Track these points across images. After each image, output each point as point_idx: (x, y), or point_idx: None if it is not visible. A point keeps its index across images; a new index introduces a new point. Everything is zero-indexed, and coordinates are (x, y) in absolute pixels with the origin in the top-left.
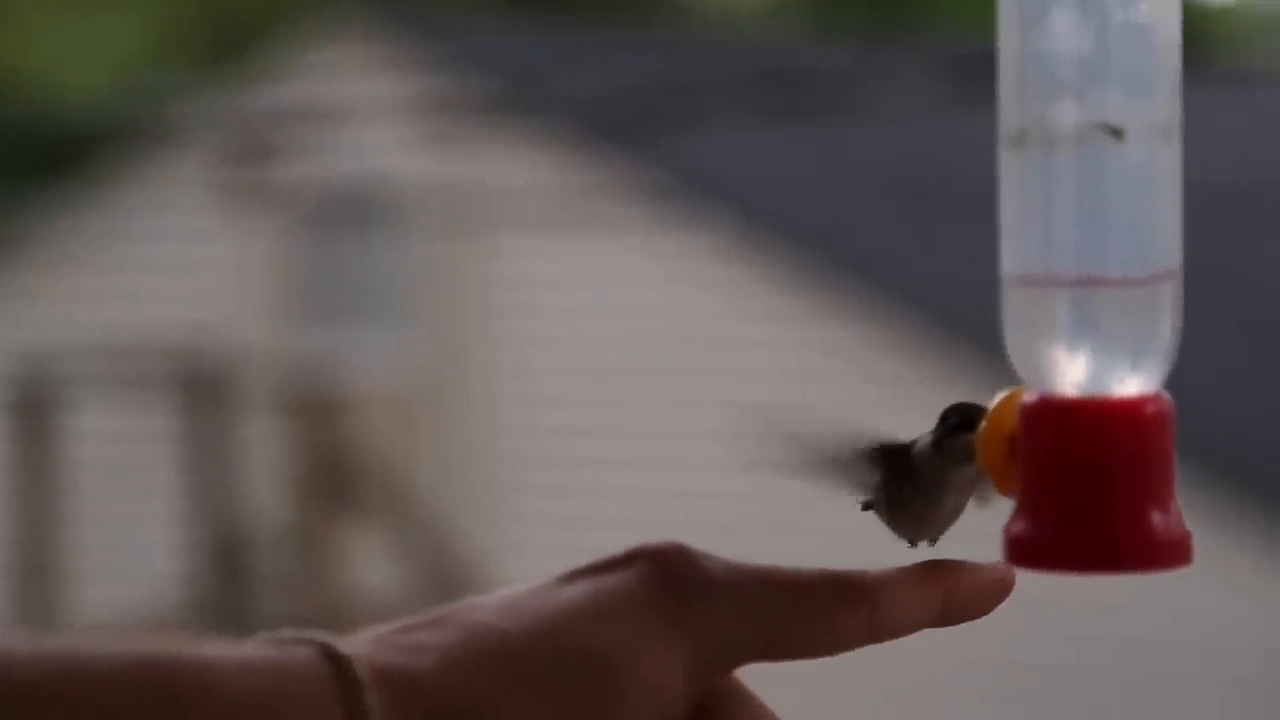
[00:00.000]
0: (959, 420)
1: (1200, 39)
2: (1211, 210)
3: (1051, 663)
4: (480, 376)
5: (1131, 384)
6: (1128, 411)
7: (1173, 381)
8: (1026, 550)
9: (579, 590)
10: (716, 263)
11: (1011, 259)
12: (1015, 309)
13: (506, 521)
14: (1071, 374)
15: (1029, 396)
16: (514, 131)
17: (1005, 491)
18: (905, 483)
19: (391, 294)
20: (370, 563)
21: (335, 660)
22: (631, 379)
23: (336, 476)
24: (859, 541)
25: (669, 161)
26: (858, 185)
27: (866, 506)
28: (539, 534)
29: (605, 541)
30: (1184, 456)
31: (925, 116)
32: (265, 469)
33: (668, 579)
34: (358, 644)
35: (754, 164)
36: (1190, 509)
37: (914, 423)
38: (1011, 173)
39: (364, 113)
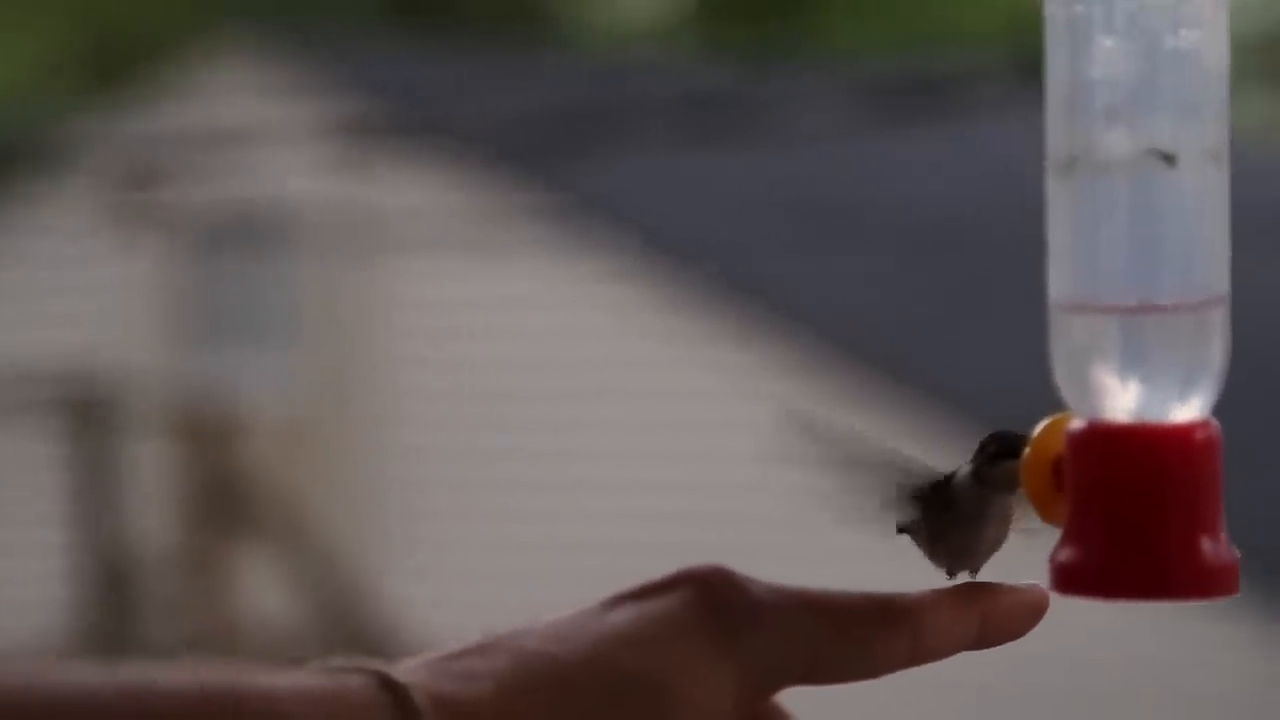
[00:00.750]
0: (998, 448)
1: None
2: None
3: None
4: (373, 400)
5: (1182, 410)
6: (1178, 438)
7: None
8: (1075, 578)
9: (625, 616)
10: (613, 285)
11: (1061, 286)
12: (1065, 335)
13: (399, 545)
14: (1122, 400)
15: (1077, 423)
16: (408, 154)
17: (1049, 519)
18: (945, 514)
19: (283, 317)
20: (261, 587)
21: (392, 689)
22: (526, 401)
23: (227, 501)
24: (765, 563)
25: (565, 184)
26: (756, 208)
27: (901, 530)
28: (432, 558)
29: (501, 565)
30: None
31: (826, 139)
32: (155, 494)
33: (714, 603)
34: (409, 672)
35: (652, 186)
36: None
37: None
38: (1061, 199)
39: (257, 135)
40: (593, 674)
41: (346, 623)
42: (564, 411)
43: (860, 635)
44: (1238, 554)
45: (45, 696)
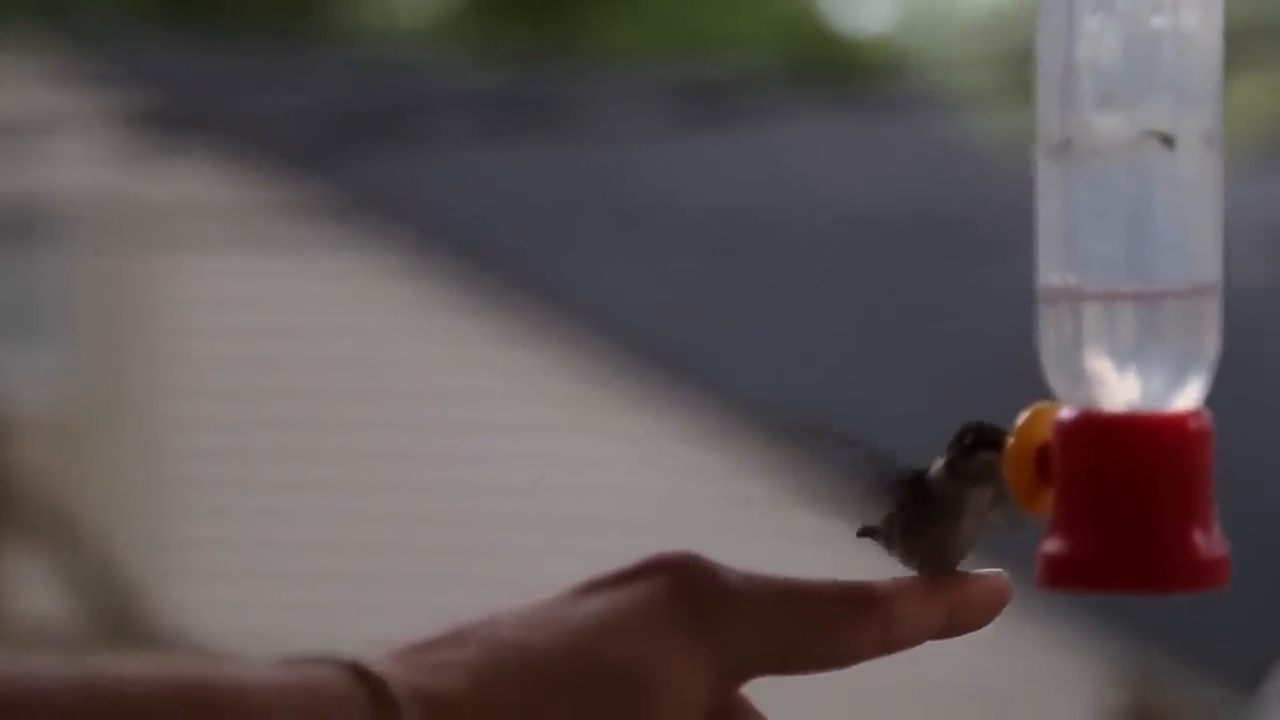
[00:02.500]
0: (975, 439)
1: (850, 68)
2: (865, 234)
3: None
4: (147, 398)
5: (1175, 399)
6: (1172, 428)
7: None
8: (1065, 570)
9: (599, 604)
10: (394, 284)
11: (1051, 272)
12: (1055, 323)
13: (173, 546)
14: (1115, 389)
15: (1067, 412)
16: (186, 150)
17: (1032, 511)
18: (921, 509)
19: (54, 313)
20: (33, 587)
21: (369, 681)
22: (304, 401)
23: None
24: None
25: (345, 182)
26: (540, 207)
27: (864, 533)
28: (206, 558)
29: (276, 565)
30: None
31: (610, 141)
32: None
33: (688, 591)
34: (381, 663)
35: (433, 185)
36: (844, 530)
37: (598, 449)
38: (1052, 182)
39: (32, 126)
40: (570, 664)
41: (120, 623)
42: (342, 411)
43: (832, 624)
44: (1228, 546)
45: (6, 693)
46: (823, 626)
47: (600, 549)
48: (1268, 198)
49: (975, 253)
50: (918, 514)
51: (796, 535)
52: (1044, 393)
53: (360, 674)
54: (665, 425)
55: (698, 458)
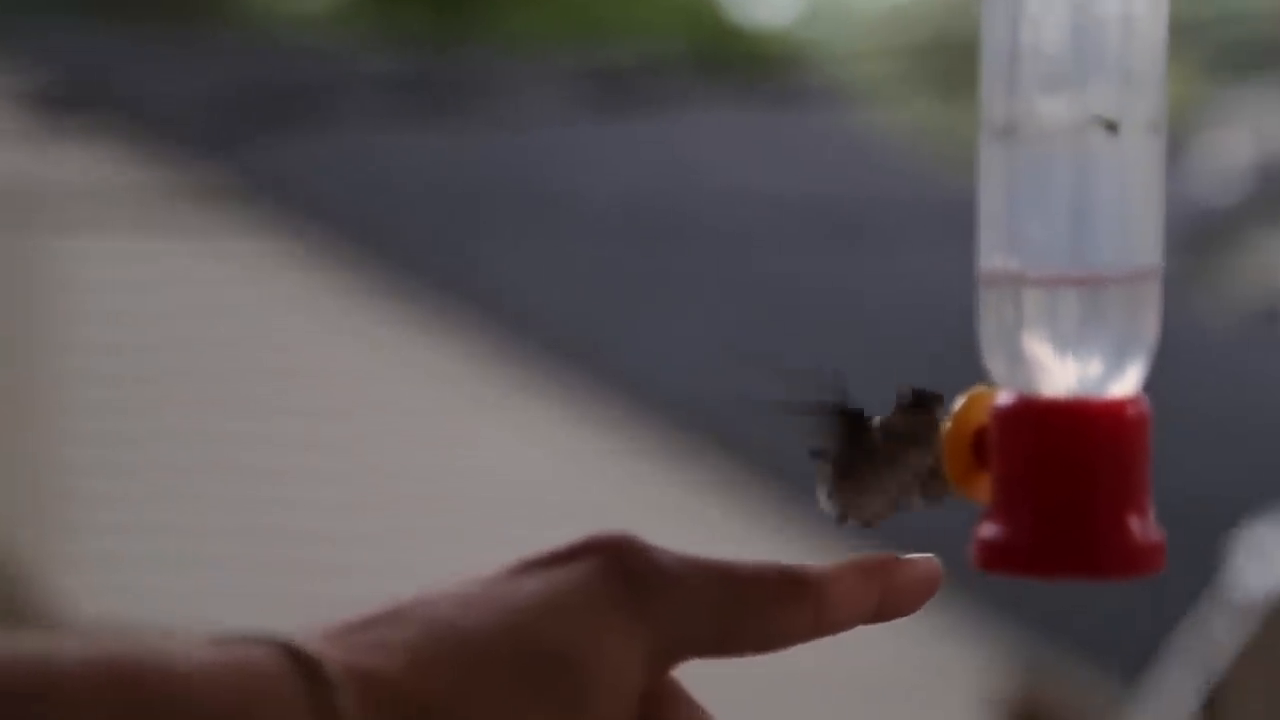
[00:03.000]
0: (913, 400)
1: (752, 60)
2: (768, 224)
3: None
4: (36, 383)
5: (1114, 385)
6: (1110, 414)
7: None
8: (1001, 554)
9: (537, 585)
10: (294, 269)
11: (992, 256)
12: (994, 307)
13: (61, 532)
14: (1054, 373)
15: (1005, 398)
16: (76, 130)
17: (967, 495)
18: (856, 452)
19: None
20: None
21: (303, 661)
22: (195, 386)
23: None
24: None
25: (242, 166)
26: (441, 193)
27: (815, 455)
28: (94, 544)
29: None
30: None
31: (514, 127)
32: None
33: (623, 571)
34: (315, 642)
35: (335, 170)
36: (750, 518)
37: (500, 436)
38: (995, 167)
39: None
40: (507, 644)
41: (7, 609)
42: (234, 396)
43: (766, 606)
44: (1163, 532)
45: None
46: (756, 608)
47: (502, 535)
48: (1170, 189)
49: (875, 243)
50: (852, 455)
51: (700, 521)
52: (939, 380)
53: (294, 654)
54: (567, 412)
55: (599, 444)
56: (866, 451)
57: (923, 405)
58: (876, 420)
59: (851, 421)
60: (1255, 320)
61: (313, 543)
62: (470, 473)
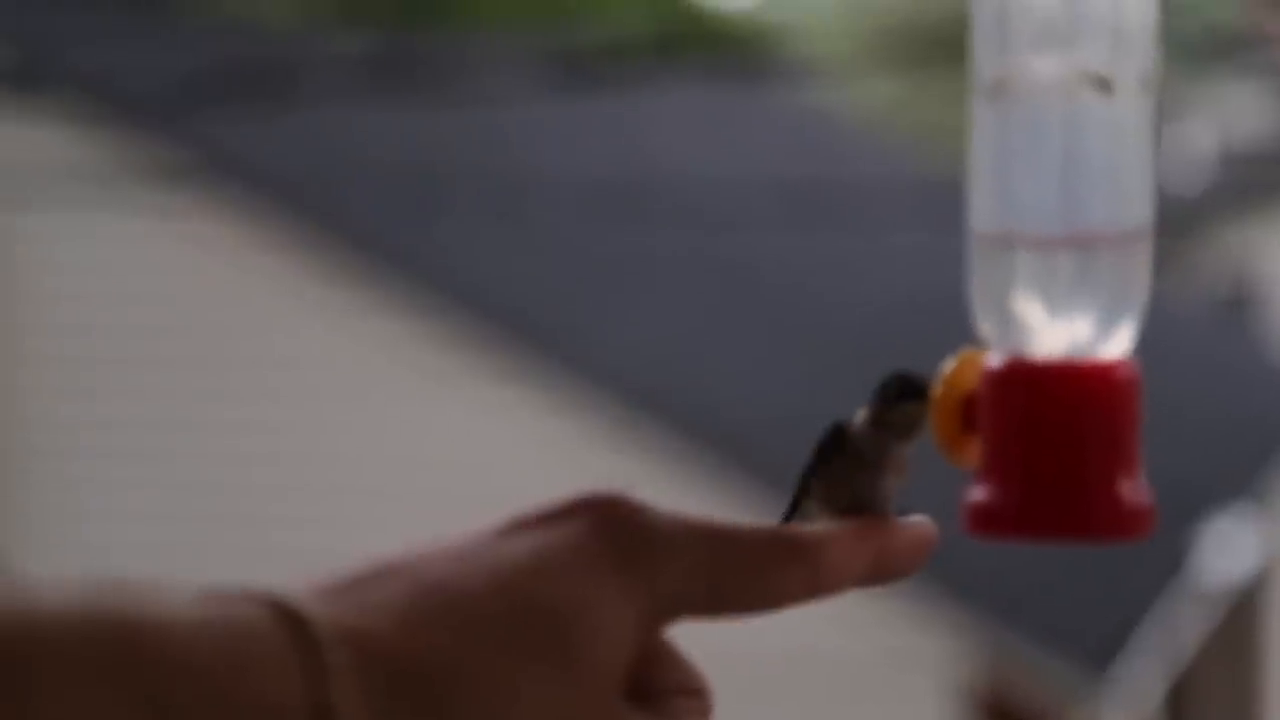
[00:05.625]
0: (901, 390)
1: (718, 40)
2: (733, 203)
3: None
4: None
5: (1104, 346)
6: (1101, 376)
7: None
8: (991, 517)
9: (529, 543)
10: (253, 248)
11: (984, 216)
12: (986, 267)
13: (20, 515)
14: (1045, 335)
15: (995, 360)
16: (30, 107)
17: (956, 460)
18: (842, 461)
19: None
20: None
21: (293, 619)
22: (157, 367)
23: None
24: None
25: (205, 143)
26: (402, 172)
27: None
28: (55, 527)
29: (130, 535)
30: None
31: (480, 106)
32: None
33: (616, 530)
34: (306, 599)
35: (296, 148)
36: (713, 501)
37: (461, 420)
38: (986, 125)
39: None
40: (499, 603)
41: None
42: (197, 379)
43: (760, 566)
44: (1153, 494)
45: None
46: (750, 568)
47: (462, 518)
48: None
49: (842, 223)
50: (839, 466)
51: (662, 502)
52: (913, 360)
53: (284, 611)
54: (530, 396)
55: (563, 429)
56: (852, 461)
57: (907, 395)
58: (860, 416)
59: (830, 438)
60: (1221, 309)
61: (278, 527)
62: (431, 455)
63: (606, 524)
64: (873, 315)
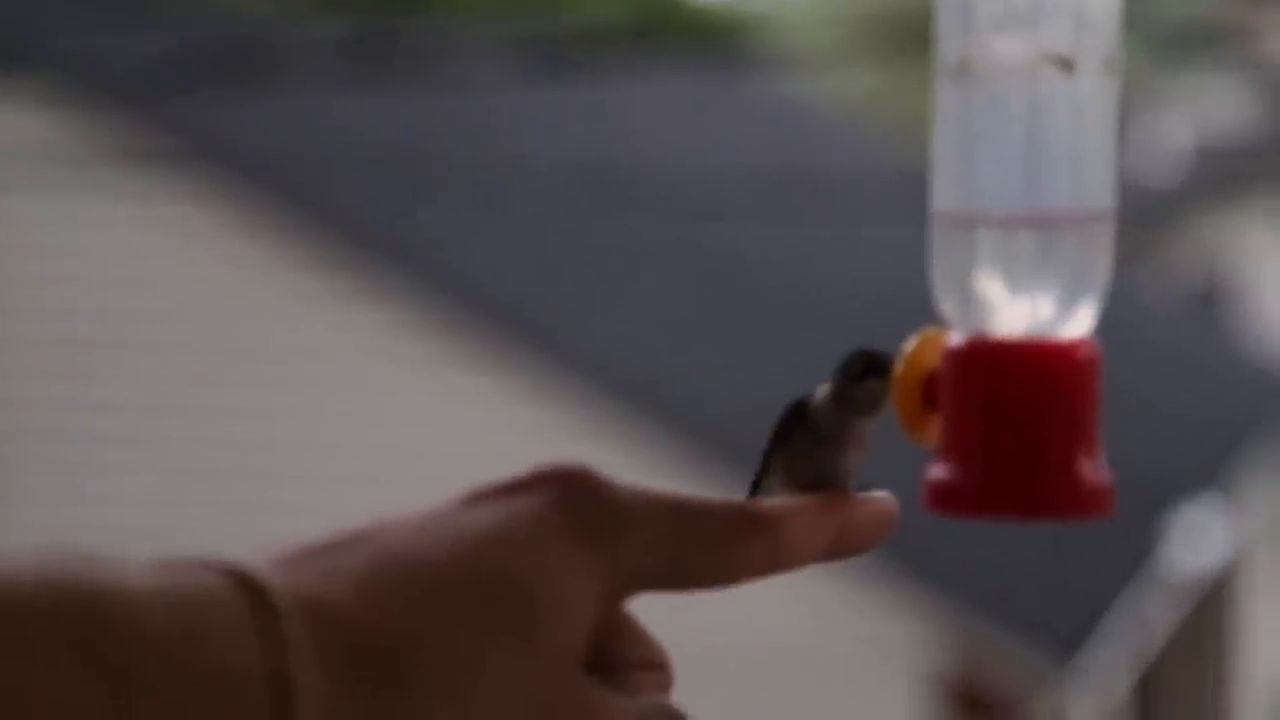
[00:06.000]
0: (864, 367)
1: (699, 29)
2: (714, 192)
3: None
4: None
5: (1066, 326)
6: (1061, 355)
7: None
8: (951, 496)
9: (490, 514)
10: (233, 234)
11: (946, 195)
12: (948, 247)
13: None
14: (1005, 315)
15: (956, 338)
16: (15, 91)
17: (916, 439)
18: (804, 437)
19: None
20: None
21: (252, 587)
22: (135, 353)
23: None
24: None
25: (185, 127)
26: (382, 159)
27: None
28: (31, 510)
29: (105, 520)
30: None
31: (459, 92)
32: None
33: (580, 501)
34: (265, 568)
35: (276, 133)
36: (693, 488)
37: (442, 408)
38: (949, 105)
39: None
40: (460, 573)
41: None
42: (173, 365)
43: (723, 540)
44: (1113, 475)
45: None
46: (713, 542)
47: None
48: None
49: (821, 211)
50: (800, 441)
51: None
52: (893, 346)
53: (242, 579)
54: (511, 384)
55: (544, 418)
56: (812, 437)
57: (870, 372)
58: (823, 392)
59: (792, 412)
60: (1192, 301)
61: (253, 512)
62: (411, 442)
63: (569, 496)
64: (853, 304)
